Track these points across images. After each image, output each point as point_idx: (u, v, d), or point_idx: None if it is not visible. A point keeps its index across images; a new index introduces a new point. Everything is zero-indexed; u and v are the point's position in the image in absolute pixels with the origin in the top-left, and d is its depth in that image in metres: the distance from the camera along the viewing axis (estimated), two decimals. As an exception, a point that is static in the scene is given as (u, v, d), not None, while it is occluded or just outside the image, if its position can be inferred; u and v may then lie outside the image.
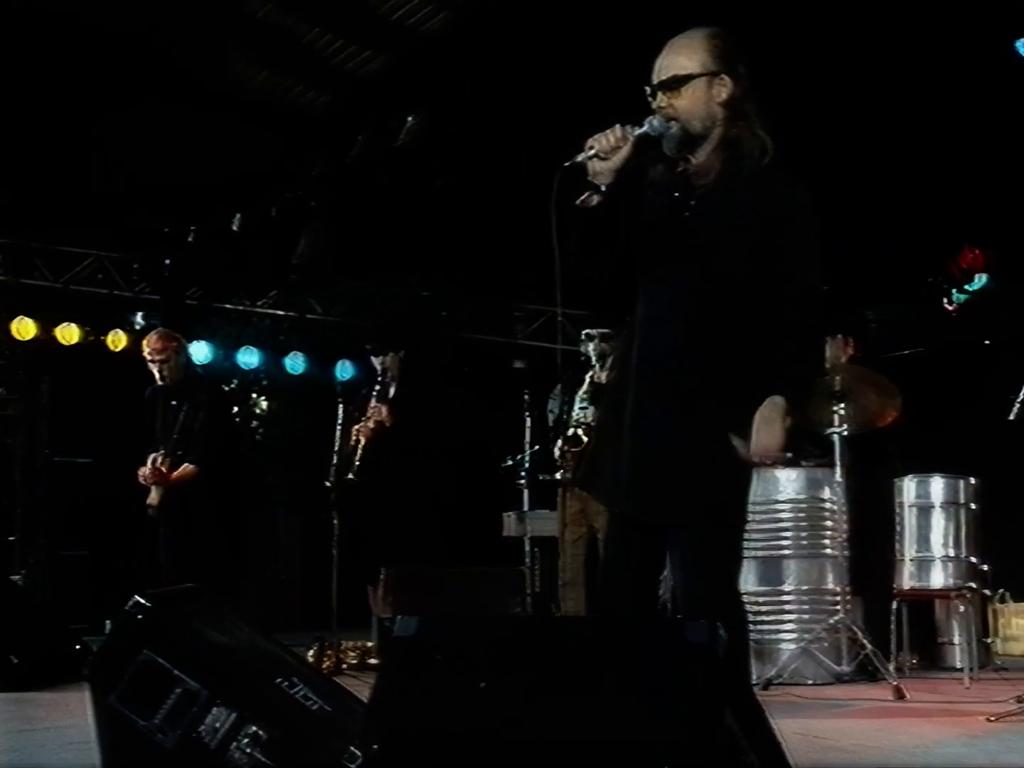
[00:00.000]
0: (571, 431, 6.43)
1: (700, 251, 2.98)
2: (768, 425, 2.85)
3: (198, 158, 7.87)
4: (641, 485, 2.96)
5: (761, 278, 2.93)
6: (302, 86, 7.96)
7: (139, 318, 9.66)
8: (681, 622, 2.61)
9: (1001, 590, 7.01)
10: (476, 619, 2.93)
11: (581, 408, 6.46)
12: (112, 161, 8.11)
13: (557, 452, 6.57)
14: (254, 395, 10.71)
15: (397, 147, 7.25)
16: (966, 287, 7.61)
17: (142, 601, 3.50)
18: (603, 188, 2.93)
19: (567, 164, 2.93)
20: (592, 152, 2.92)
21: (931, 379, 7.17)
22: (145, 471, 6.50)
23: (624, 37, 6.52)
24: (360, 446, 6.64)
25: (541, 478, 7.35)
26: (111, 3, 7.09)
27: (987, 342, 7.97)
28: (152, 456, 6.50)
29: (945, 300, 7.81)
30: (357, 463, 6.60)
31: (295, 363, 10.03)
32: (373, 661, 6.44)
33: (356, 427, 6.70)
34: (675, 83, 2.99)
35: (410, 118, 7.15)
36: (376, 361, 6.84)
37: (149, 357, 6.57)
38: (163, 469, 6.48)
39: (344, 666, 6.33)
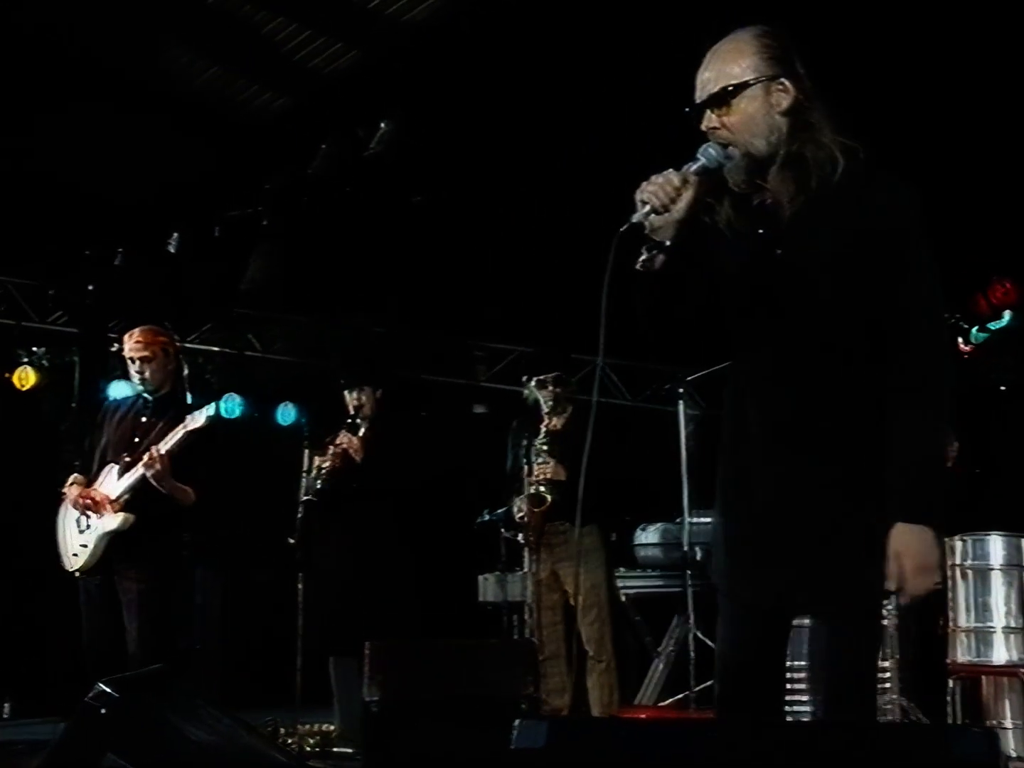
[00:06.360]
0: (532, 489, 5.91)
1: (808, 291, 2.53)
2: (912, 558, 2.42)
3: (129, 168, 6.98)
4: (797, 576, 2.57)
5: (880, 312, 2.50)
6: (257, 85, 7.09)
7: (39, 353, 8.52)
8: (943, 730, 1.85)
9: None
10: (625, 723, 2.09)
11: (541, 463, 5.91)
12: (22, 171, 7.10)
13: (518, 512, 6.02)
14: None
15: (366, 158, 6.44)
16: (989, 325, 6.95)
17: (106, 690, 2.66)
18: (667, 244, 2.53)
19: (622, 229, 2.53)
20: (647, 209, 2.52)
21: (984, 424, 6.46)
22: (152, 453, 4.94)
23: (635, 32, 5.86)
24: (324, 472, 5.98)
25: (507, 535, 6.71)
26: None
27: (1002, 388, 7.37)
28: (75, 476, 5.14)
29: (961, 340, 7.14)
30: (318, 486, 5.96)
31: (230, 406, 9.04)
32: (340, 750, 5.64)
33: (320, 459, 6.04)
34: (726, 96, 2.55)
35: (383, 124, 6.36)
36: (349, 397, 6.12)
37: (130, 354, 5.35)
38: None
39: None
